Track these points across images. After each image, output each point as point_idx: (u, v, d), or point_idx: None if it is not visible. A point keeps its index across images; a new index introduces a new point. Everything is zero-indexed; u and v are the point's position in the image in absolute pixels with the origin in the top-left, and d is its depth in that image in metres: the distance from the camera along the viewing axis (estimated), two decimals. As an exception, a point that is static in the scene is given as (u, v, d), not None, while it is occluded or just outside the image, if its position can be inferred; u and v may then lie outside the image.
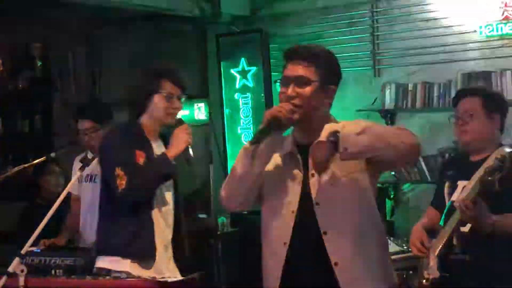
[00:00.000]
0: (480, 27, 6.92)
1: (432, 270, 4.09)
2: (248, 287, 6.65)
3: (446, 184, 4.26)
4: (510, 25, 6.81)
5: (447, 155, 6.96)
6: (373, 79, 7.62)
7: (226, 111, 7.96)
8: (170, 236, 4.45)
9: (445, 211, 4.19)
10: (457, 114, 4.26)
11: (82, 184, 5.48)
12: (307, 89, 3.24)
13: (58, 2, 7.84)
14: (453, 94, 6.97)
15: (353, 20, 7.71)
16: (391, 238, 5.89)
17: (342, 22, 7.76)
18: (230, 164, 7.91)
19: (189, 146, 4.27)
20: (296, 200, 3.21)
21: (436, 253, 4.09)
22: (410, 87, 7.29)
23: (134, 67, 8.77)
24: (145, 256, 4.23)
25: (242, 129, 7.91)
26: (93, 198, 5.40)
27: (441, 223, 4.19)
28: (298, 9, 8.02)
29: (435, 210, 4.41)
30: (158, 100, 4.26)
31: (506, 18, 6.82)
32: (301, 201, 3.21)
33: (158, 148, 4.35)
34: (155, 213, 4.33)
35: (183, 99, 4.35)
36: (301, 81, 3.23)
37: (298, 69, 3.25)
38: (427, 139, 7.24)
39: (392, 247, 5.57)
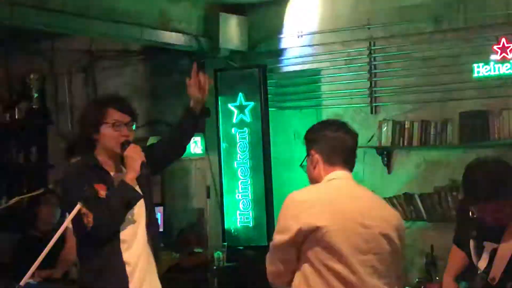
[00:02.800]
0: (478, 66, 6.96)
1: None
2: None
3: (471, 243, 4.09)
4: (508, 65, 6.85)
5: (442, 193, 6.97)
6: (370, 116, 7.63)
7: (223, 145, 7.96)
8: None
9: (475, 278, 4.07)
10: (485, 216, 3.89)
11: None
12: None
13: (56, 35, 7.87)
14: (449, 132, 7.04)
15: (350, 57, 7.75)
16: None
17: (340, 59, 7.79)
18: (226, 198, 7.91)
19: (144, 163, 4.16)
20: None
21: None
22: (407, 124, 7.31)
23: (132, 100, 8.78)
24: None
25: (239, 164, 7.91)
26: None
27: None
28: (296, 45, 8.06)
29: (460, 252, 4.34)
30: (105, 131, 4.17)
31: (504, 58, 6.86)
32: None
33: (119, 177, 4.25)
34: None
35: (134, 126, 4.27)
36: None
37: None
38: (423, 177, 7.27)
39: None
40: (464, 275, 4.19)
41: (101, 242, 4.10)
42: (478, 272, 3.96)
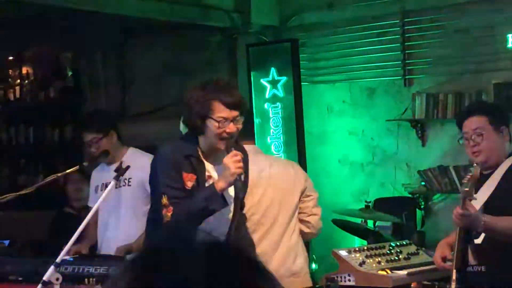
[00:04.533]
0: (512, 36, 6.89)
1: (454, 284, 4.17)
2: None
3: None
4: (542, 34, 6.78)
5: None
6: (403, 89, 7.60)
7: (256, 121, 7.96)
8: None
9: None
10: (465, 136, 4.30)
11: (99, 194, 5.52)
12: None
13: (89, 13, 7.91)
14: (484, 104, 6.98)
15: (383, 30, 7.70)
16: (422, 249, 5.85)
17: (372, 32, 7.74)
18: (260, 174, 7.92)
19: (241, 175, 3.93)
20: None
21: (454, 267, 4.17)
22: (440, 96, 7.26)
23: (165, 78, 8.82)
24: None
25: (272, 139, 7.91)
26: (113, 206, 5.48)
27: None
28: (327, 19, 8.02)
29: None
30: (210, 124, 3.95)
31: (538, 27, 6.79)
32: None
33: (214, 172, 4.07)
34: None
35: (240, 120, 4.01)
36: None
37: None
38: (458, 149, 7.21)
39: (424, 257, 5.54)
40: None
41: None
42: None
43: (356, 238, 6.81)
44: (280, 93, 7.85)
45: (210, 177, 4.05)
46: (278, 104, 7.86)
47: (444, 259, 4.48)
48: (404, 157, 7.57)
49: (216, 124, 3.92)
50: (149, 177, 4.16)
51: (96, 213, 5.48)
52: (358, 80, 7.89)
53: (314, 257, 7.39)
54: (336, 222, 6.71)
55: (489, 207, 4.24)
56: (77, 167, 5.35)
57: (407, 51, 7.60)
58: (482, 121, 4.27)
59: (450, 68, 7.34)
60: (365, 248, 5.51)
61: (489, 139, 4.25)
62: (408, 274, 5.16)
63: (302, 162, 7.79)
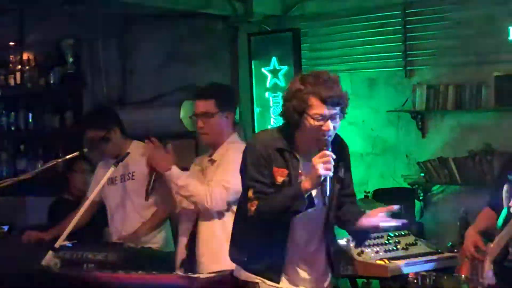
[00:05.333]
0: (514, 29, 6.88)
1: (488, 276, 4.09)
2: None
3: (505, 186, 4.23)
4: (544, 27, 6.77)
5: (477, 157, 6.93)
6: (404, 80, 7.59)
7: (257, 110, 7.96)
8: None
9: (502, 215, 4.18)
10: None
11: (105, 187, 5.52)
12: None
13: (91, -1, 7.90)
14: (484, 96, 6.98)
15: (384, 21, 7.68)
16: (421, 240, 5.87)
17: (373, 22, 7.73)
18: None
19: (328, 176, 3.71)
20: None
21: (492, 259, 4.09)
22: (441, 88, 7.25)
23: (166, 65, 8.82)
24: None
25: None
26: (119, 199, 5.49)
27: (499, 225, 4.18)
28: (329, 9, 8.00)
29: (491, 211, 4.39)
30: (307, 120, 3.75)
31: (540, 20, 6.79)
32: None
33: (305, 167, 3.85)
34: None
35: (339, 118, 3.86)
36: None
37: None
38: (458, 141, 7.22)
39: (422, 248, 5.56)
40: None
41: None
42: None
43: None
44: (281, 82, 7.84)
45: (301, 174, 3.86)
46: (279, 93, 7.86)
47: (477, 249, 4.38)
48: (404, 148, 7.57)
49: (312, 121, 3.73)
50: (239, 168, 3.98)
51: (88, 209, 5.49)
52: (359, 70, 7.88)
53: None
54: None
55: None
56: (77, 153, 5.36)
57: (408, 42, 7.58)
58: None
59: (451, 60, 7.32)
60: (364, 238, 5.51)
61: None
62: (406, 264, 5.18)
63: (301, 151, 7.80)
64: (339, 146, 4.03)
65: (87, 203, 4.75)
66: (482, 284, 4.24)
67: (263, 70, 7.93)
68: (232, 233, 4.08)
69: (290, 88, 3.86)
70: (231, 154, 4.79)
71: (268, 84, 7.92)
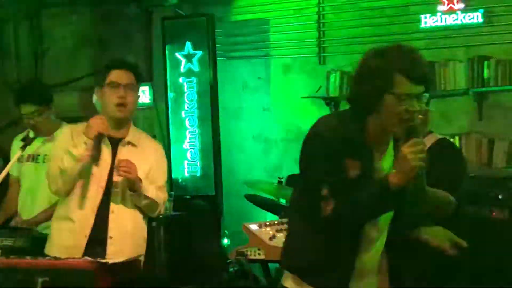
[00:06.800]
0: (425, 17, 6.98)
1: None
2: (190, 270, 6.67)
3: None
4: (454, 16, 6.89)
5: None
6: (318, 67, 7.65)
7: (171, 95, 7.90)
8: None
9: None
10: None
11: (24, 164, 5.39)
12: None
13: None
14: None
15: (299, 8, 7.72)
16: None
17: (288, 9, 7.76)
18: (173, 148, 7.88)
19: (421, 172, 3.14)
20: None
21: None
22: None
23: (79, 49, 8.68)
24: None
25: (186, 113, 7.87)
26: (35, 179, 5.34)
27: None
28: (245, -6, 8.02)
29: None
30: (389, 101, 3.15)
31: (450, 9, 6.90)
32: None
33: (378, 158, 3.33)
34: None
35: (424, 99, 3.19)
36: None
37: None
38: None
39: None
40: None
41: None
42: None
43: (268, 213, 6.84)
44: (196, 67, 7.80)
45: (376, 167, 3.32)
46: (193, 78, 7.82)
47: None
48: (317, 134, 7.62)
49: (396, 101, 3.14)
50: (301, 158, 3.34)
51: (18, 188, 5.33)
52: (274, 57, 7.90)
53: (226, 233, 7.41)
54: (249, 197, 6.74)
55: None
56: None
57: (322, 29, 7.64)
58: None
59: (364, 47, 7.38)
60: (276, 222, 5.54)
61: None
62: (318, 248, 5.20)
63: (216, 137, 7.79)
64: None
65: (4, 172, 4.57)
66: None
67: (177, 54, 7.87)
68: (290, 237, 3.48)
69: (364, 65, 3.21)
70: (155, 145, 4.65)
71: (182, 69, 7.87)
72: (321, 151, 3.19)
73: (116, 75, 4.41)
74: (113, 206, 4.40)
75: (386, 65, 3.13)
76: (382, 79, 3.12)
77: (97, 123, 4.30)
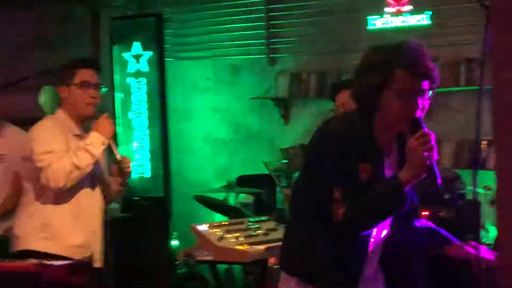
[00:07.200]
0: (373, 19, 7.02)
1: None
2: (138, 272, 6.61)
3: None
4: (402, 18, 6.93)
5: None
6: (267, 68, 7.65)
7: (119, 95, 7.84)
8: None
9: None
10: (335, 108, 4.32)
11: None
12: None
13: None
14: (345, 84, 7.08)
15: (248, 8, 7.71)
16: (282, 225, 5.91)
17: (237, 9, 7.75)
18: (121, 149, 7.78)
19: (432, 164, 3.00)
20: None
21: None
22: (303, 76, 7.34)
23: (26, 49, 8.56)
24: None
25: (135, 114, 7.82)
26: None
27: None
28: (193, -6, 7.98)
29: None
30: (389, 98, 3.04)
31: (398, 11, 6.94)
32: None
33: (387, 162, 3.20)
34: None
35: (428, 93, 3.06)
36: None
37: None
38: (319, 128, 7.31)
39: (282, 233, 5.60)
40: None
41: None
42: None
43: (218, 215, 6.81)
44: (144, 68, 7.76)
45: (387, 169, 3.21)
46: (141, 79, 7.77)
47: None
48: (267, 135, 7.63)
49: (397, 97, 3.03)
50: (310, 161, 3.25)
51: None
52: (223, 57, 7.88)
53: (175, 234, 7.37)
54: (198, 198, 6.70)
55: None
56: None
57: (271, 30, 7.64)
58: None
59: (313, 48, 7.42)
60: (224, 223, 5.51)
61: None
62: (266, 249, 5.19)
63: (165, 138, 7.74)
64: None
65: None
66: None
67: (126, 55, 7.81)
68: (293, 242, 3.35)
69: (365, 62, 3.14)
70: None
71: (130, 70, 7.81)
72: (335, 151, 3.08)
73: (87, 75, 4.56)
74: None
75: (386, 60, 3.04)
76: (381, 75, 3.03)
77: (111, 123, 4.63)
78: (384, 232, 3.28)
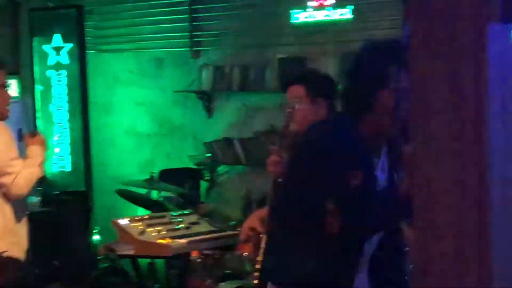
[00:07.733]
0: (297, 12, 7.02)
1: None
2: (58, 267, 6.51)
3: None
4: (325, 12, 6.96)
5: (261, 138, 7.04)
6: (190, 61, 7.60)
7: (39, 88, 7.71)
8: None
9: None
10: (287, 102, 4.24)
11: None
12: None
13: None
14: (268, 77, 7.10)
15: (171, 1, 7.64)
16: (205, 219, 5.90)
17: (160, 1, 7.68)
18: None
19: None
20: None
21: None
22: (226, 69, 7.32)
23: None
24: None
25: (55, 107, 7.69)
26: None
27: None
28: (115, -15, 7.89)
29: None
30: (385, 96, 2.91)
31: (321, 5, 6.97)
32: None
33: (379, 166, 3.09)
34: None
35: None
36: None
37: None
38: (243, 122, 7.32)
39: (205, 227, 5.59)
40: None
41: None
42: None
43: (141, 209, 6.76)
44: (65, 60, 7.64)
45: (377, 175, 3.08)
46: (62, 72, 7.65)
47: (254, 231, 4.15)
48: (191, 129, 7.59)
49: (392, 96, 2.87)
50: (296, 170, 3.12)
51: None
52: (146, 50, 7.81)
53: (97, 229, 7.28)
54: (121, 193, 6.64)
55: None
56: None
57: (194, 23, 7.59)
58: (300, 90, 3.97)
59: (236, 41, 7.40)
60: (146, 217, 5.48)
61: (303, 108, 3.91)
62: (188, 242, 5.17)
63: (86, 132, 7.64)
64: None
65: None
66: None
67: (46, 47, 7.68)
68: (281, 251, 3.23)
69: (357, 61, 3.04)
70: None
71: (50, 62, 7.68)
72: (324, 159, 2.95)
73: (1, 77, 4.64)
74: None
75: (380, 58, 2.93)
76: (375, 74, 2.92)
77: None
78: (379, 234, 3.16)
